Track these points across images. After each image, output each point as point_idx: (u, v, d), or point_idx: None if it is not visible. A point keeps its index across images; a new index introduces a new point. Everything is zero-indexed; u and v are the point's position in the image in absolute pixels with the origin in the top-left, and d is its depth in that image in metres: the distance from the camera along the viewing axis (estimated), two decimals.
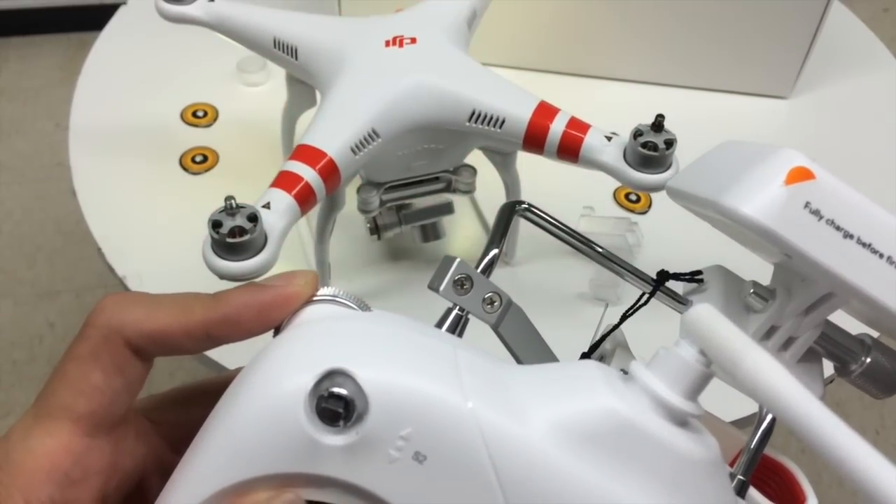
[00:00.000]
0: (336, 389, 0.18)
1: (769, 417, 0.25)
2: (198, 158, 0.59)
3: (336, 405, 0.17)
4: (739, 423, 0.44)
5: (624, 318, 0.26)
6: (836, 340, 0.26)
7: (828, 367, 0.27)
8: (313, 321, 0.21)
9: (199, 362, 0.48)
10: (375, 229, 0.49)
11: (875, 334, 0.27)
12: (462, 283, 0.24)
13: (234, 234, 0.32)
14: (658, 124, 0.37)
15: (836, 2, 0.63)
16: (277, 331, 0.22)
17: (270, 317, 0.21)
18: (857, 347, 0.26)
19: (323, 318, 0.21)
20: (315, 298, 0.21)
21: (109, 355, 0.21)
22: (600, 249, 0.26)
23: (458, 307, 0.24)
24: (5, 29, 1.65)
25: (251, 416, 0.18)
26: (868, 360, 0.26)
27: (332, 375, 0.18)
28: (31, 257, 1.29)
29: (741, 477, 0.25)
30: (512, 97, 0.41)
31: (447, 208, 0.50)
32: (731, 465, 0.26)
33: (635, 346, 0.29)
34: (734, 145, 0.24)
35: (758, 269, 0.26)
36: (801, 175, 0.21)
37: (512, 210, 0.26)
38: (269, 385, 0.18)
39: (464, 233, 0.55)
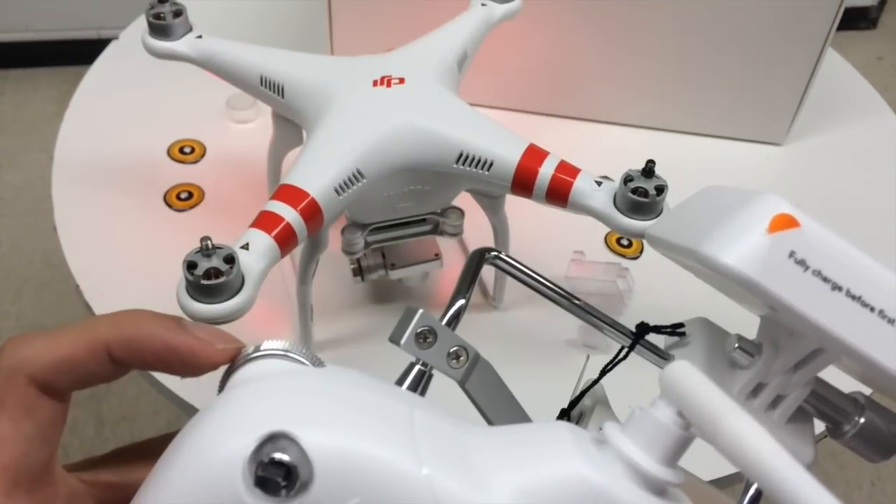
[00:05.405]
0: (278, 455, 0.16)
1: None
2: (183, 195, 0.59)
3: (276, 474, 0.16)
4: (728, 481, 0.43)
5: (603, 373, 0.25)
6: (828, 399, 0.25)
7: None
8: (259, 378, 0.19)
9: (175, 404, 0.46)
10: (359, 271, 0.48)
11: (868, 392, 0.26)
12: (425, 337, 0.22)
13: (209, 276, 0.31)
14: (649, 170, 0.36)
15: (831, 49, 0.63)
16: (223, 387, 0.20)
17: (171, 359, 0.20)
18: (850, 407, 0.25)
19: (270, 374, 0.19)
20: (266, 352, 0.20)
21: (14, 399, 0.20)
22: (578, 301, 0.25)
23: (421, 362, 0.23)
24: (2, 61, 1.66)
25: (185, 483, 0.17)
26: (862, 420, 0.24)
27: (274, 439, 0.16)
28: (17, 290, 1.28)
29: None
30: (501, 140, 0.40)
31: (436, 264, 0.49)
32: None
33: (620, 397, 0.28)
34: (715, 191, 0.23)
35: (751, 319, 0.25)
36: (784, 223, 0.20)
37: (481, 258, 0.25)
38: (205, 449, 0.17)
39: (450, 277, 0.54)
